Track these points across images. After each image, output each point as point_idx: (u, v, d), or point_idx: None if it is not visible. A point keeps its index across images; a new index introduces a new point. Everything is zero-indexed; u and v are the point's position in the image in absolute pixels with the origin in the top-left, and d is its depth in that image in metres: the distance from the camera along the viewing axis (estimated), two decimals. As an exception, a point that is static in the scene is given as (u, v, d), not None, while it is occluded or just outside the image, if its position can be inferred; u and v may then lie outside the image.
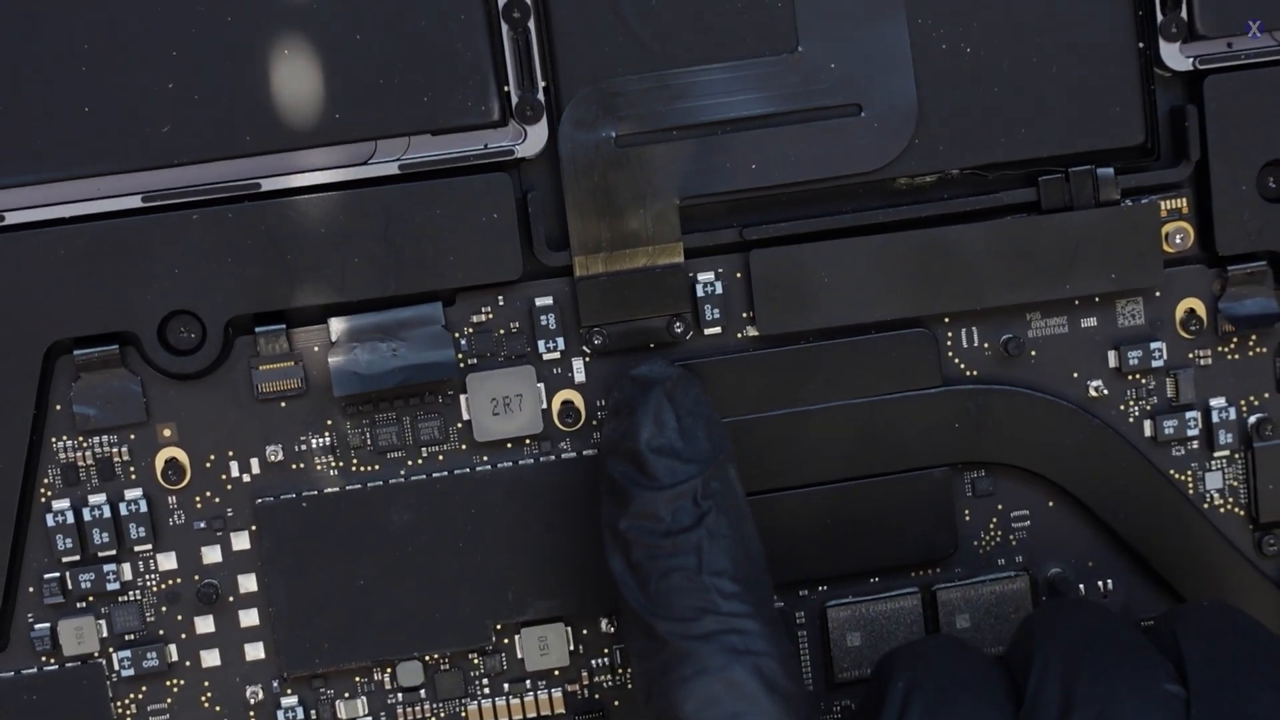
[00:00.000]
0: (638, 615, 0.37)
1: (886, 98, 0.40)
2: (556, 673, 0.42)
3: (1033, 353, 0.42)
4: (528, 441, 0.41)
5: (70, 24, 0.38)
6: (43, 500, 0.40)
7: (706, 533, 0.38)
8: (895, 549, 0.42)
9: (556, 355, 0.41)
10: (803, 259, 0.41)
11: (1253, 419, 0.42)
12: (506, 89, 0.39)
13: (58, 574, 0.40)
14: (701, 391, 0.40)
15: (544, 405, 0.41)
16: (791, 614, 0.42)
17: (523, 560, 0.41)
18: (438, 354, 0.40)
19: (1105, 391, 0.42)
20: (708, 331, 0.41)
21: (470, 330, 0.40)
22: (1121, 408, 0.42)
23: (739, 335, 0.41)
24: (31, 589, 0.40)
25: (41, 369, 0.39)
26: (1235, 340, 0.42)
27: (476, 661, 0.42)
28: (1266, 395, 0.42)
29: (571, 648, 0.42)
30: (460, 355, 0.40)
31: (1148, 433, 0.42)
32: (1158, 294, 0.42)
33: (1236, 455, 0.43)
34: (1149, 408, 0.42)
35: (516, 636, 0.41)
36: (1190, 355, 0.42)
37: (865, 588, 0.42)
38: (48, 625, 0.40)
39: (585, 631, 0.42)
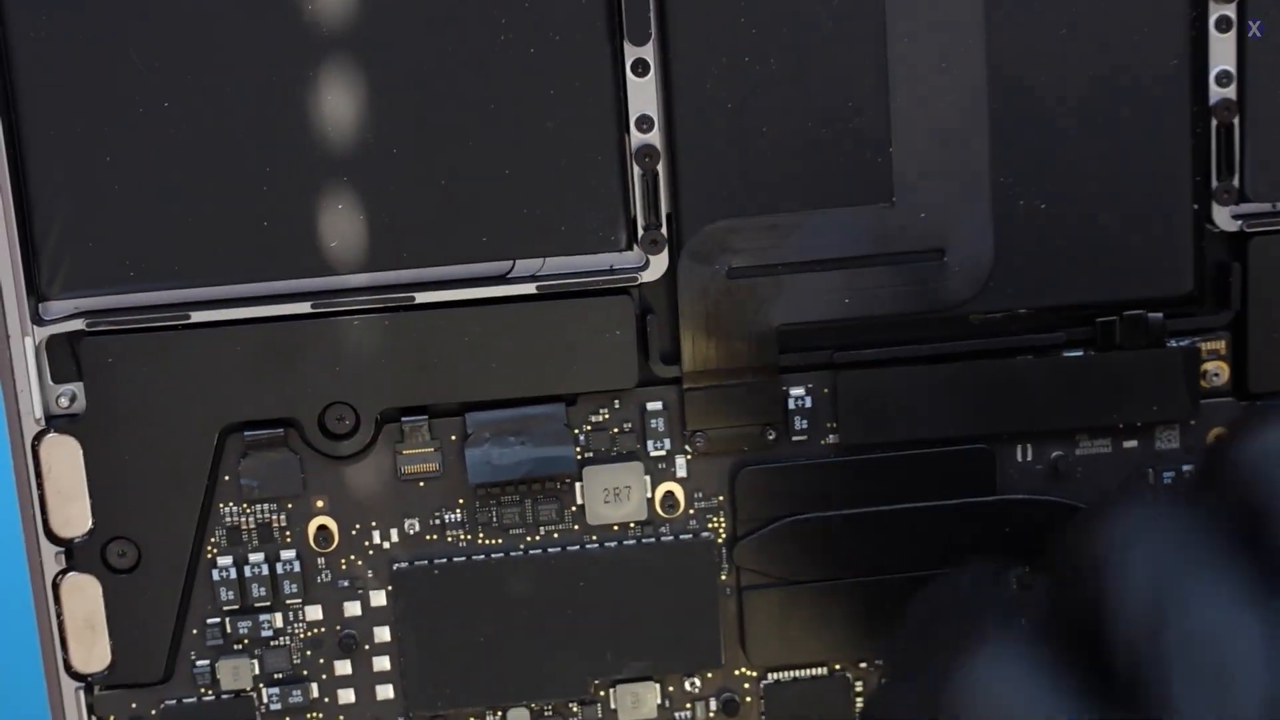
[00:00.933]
0: None
1: (967, 245, 0.45)
2: (645, 723, 0.48)
3: (1078, 469, 0.47)
4: (632, 525, 0.47)
5: (253, 145, 0.43)
6: (209, 557, 0.46)
7: None
8: None
9: (662, 453, 0.46)
10: (883, 381, 0.46)
11: (1268, 533, 0.48)
12: (635, 219, 0.45)
13: (219, 620, 0.46)
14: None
15: (649, 495, 0.47)
16: (853, 682, 0.48)
17: (620, 627, 0.47)
18: (559, 449, 0.45)
19: (1141, 506, 0.48)
20: (795, 439, 0.47)
21: (589, 428, 0.46)
22: (1153, 519, 0.48)
23: (822, 443, 0.47)
24: (195, 631, 0.46)
25: (216, 446, 0.45)
26: (1258, 466, 0.48)
27: (576, 709, 0.48)
28: (1282, 513, 0.48)
29: (659, 701, 0.48)
30: (579, 449, 0.46)
31: (1176, 541, 0.48)
32: (1193, 423, 0.47)
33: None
34: (1178, 520, 0.48)
35: (612, 690, 0.48)
36: (1217, 477, 0.48)
37: None
38: (208, 663, 0.46)
39: (671, 689, 0.48)
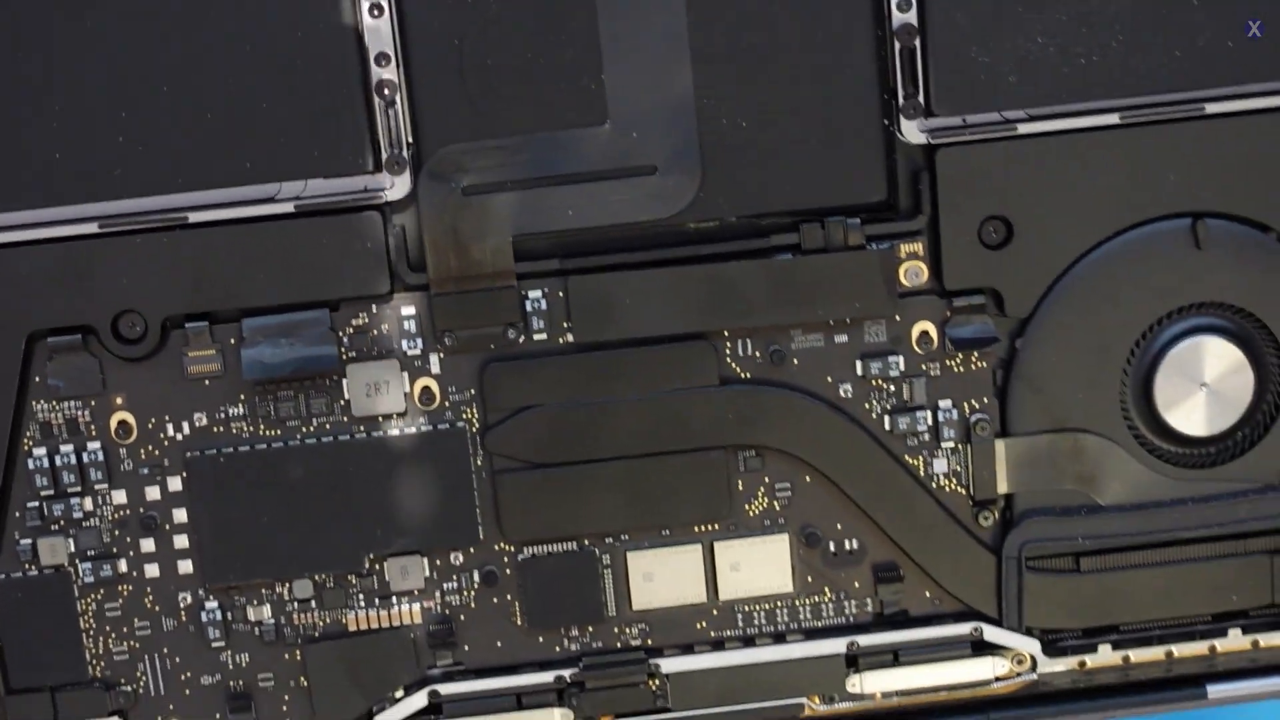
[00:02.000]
0: None
1: (677, 162, 0.51)
2: (415, 592, 0.54)
3: (794, 361, 0.53)
4: (394, 417, 0.53)
5: (43, 85, 0.49)
6: (25, 449, 0.53)
7: None
8: (682, 511, 0.54)
9: (417, 352, 0.53)
10: (611, 284, 0.52)
11: (973, 418, 0.53)
12: (380, 145, 0.51)
13: (36, 504, 0.53)
14: None
15: (407, 390, 0.53)
16: (599, 556, 0.54)
17: (388, 508, 0.53)
18: (323, 349, 0.52)
19: (852, 394, 0.53)
20: (535, 337, 0.53)
21: (351, 331, 0.52)
22: (865, 406, 0.53)
23: (560, 340, 0.53)
24: (17, 514, 0.53)
25: (25, 352, 0.52)
26: (960, 356, 0.53)
27: (354, 582, 0.54)
28: (985, 399, 0.53)
29: (427, 574, 0.54)
30: (342, 350, 0.52)
31: (887, 427, 0.53)
32: (898, 318, 0.53)
33: (959, 446, 0.54)
34: (888, 407, 0.53)
35: (385, 564, 0.54)
36: (922, 367, 0.53)
37: (658, 540, 0.54)
38: (30, 541, 0.53)
39: (438, 562, 0.54)
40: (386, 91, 0.50)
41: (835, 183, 0.52)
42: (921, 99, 0.51)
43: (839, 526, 0.54)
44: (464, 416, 0.53)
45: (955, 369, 0.53)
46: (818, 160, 0.51)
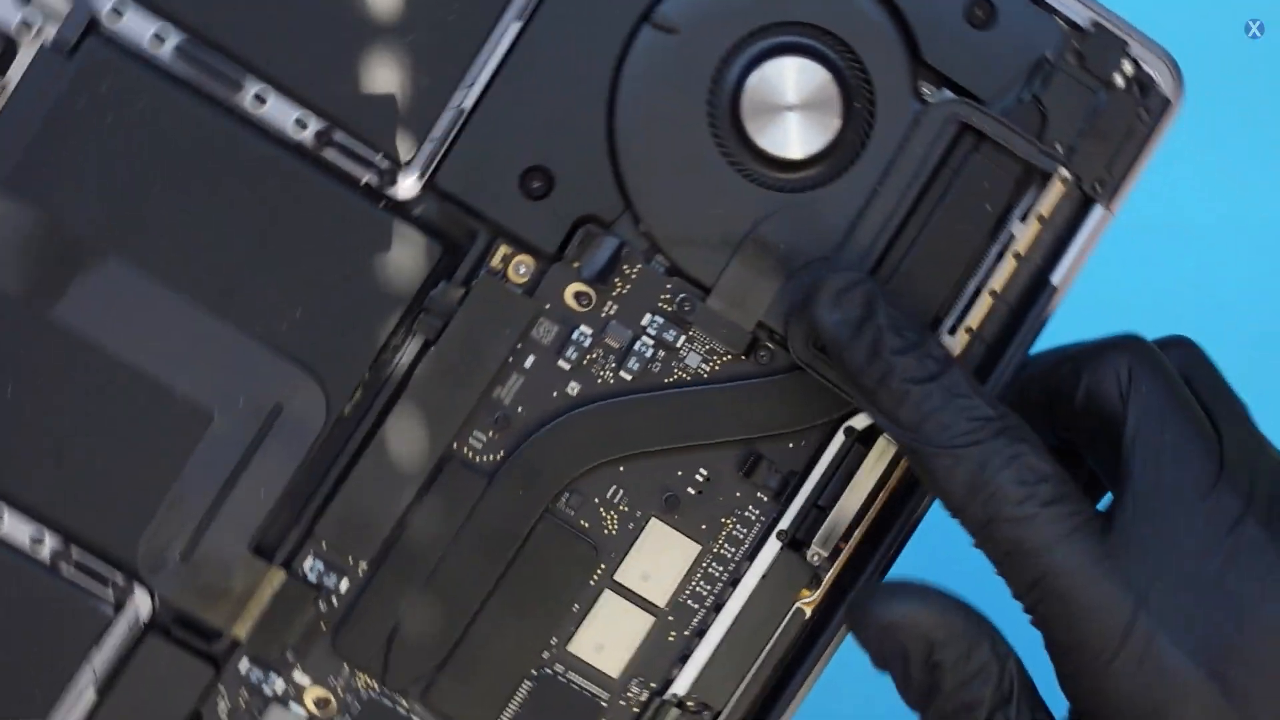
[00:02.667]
0: (934, 449, 0.50)
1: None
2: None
3: (520, 410, 0.55)
4: None
5: None
6: None
7: (959, 368, 0.52)
8: (569, 588, 0.55)
9: None
10: None
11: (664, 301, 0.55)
12: None
13: None
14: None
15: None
16: (554, 673, 0.56)
17: None
18: None
19: (580, 384, 0.55)
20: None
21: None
22: (600, 380, 0.55)
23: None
24: None
25: None
26: (618, 280, 0.55)
27: None
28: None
29: None
30: None
31: (629, 376, 0.55)
32: (548, 306, 0.54)
33: (693, 333, 0.55)
34: (612, 364, 0.55)
35: None
36: (603, 314, 0.55)
37: (575, 619, 0.56)
38: None
39: None
40: None
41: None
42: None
43: (679, 474, 0.55)
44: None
45: (621, 292, 0.55)
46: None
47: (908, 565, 0.56)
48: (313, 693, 0.55)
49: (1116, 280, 0.54)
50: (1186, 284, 0.62)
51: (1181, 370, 0.54)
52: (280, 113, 0.53)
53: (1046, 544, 0.50)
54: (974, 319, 0.54)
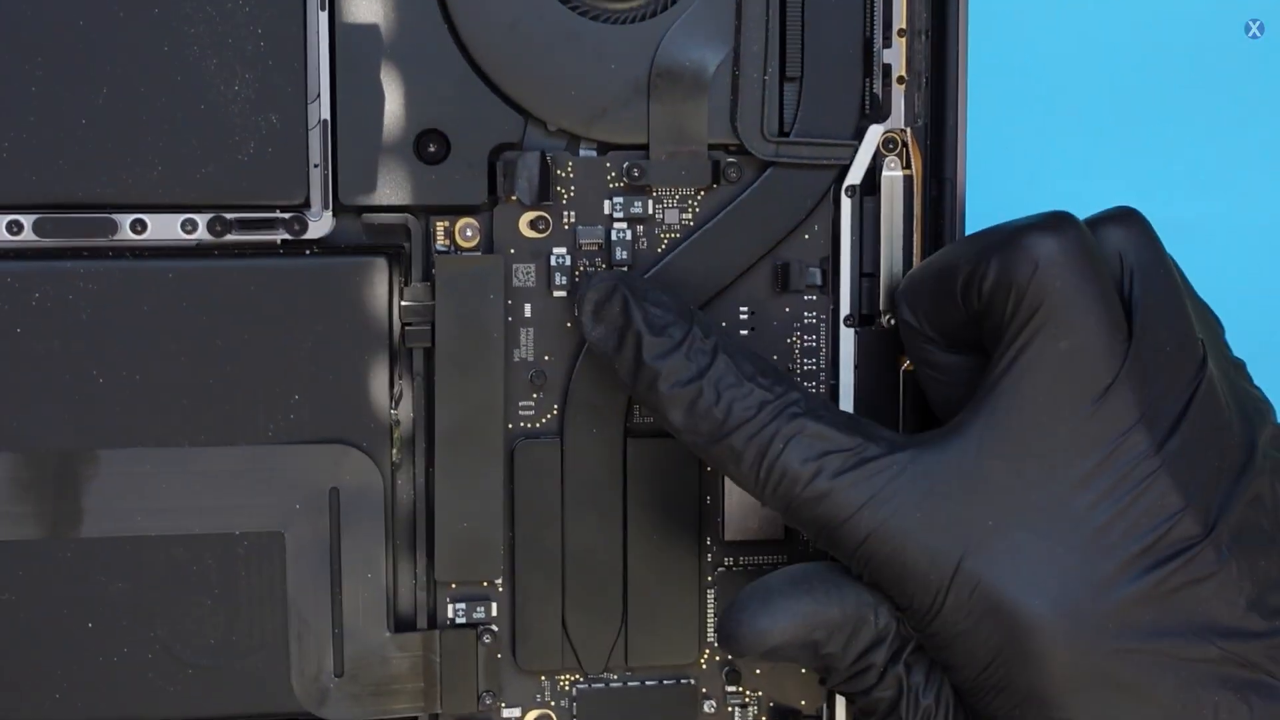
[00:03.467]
0: (714, 444, 0.47)
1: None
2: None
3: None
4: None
5: None
6: None
7: (726, 355, 0.48)
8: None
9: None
10: None
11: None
12: None
13: None
14: (639, 276, 0.51)
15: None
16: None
17: None
18: None
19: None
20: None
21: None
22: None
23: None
24: None
25: None
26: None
27: None
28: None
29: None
30: None
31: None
32: None
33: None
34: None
35: None
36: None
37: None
38: None
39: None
40: None
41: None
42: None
43: (723, 325, 0.53)
44: None
45: (570, 196, 0.52)
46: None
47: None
48: (531, 717, 0.53)
49: (973, 161, 0.53)
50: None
51: (1116, 250, 0.48)
52: (164, 227, 0.50)
53: (848, 514, 0.47)
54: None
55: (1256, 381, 0.50)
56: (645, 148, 0.52)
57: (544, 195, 0.51)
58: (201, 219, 0.50)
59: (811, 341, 0.54)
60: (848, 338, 0.53)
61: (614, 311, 0.49)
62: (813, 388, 0.54)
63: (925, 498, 0.46)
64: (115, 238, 0.50)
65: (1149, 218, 0.48)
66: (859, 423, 0.48)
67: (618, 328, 0.49)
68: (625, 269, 0.52)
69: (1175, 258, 0.48)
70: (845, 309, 0.53)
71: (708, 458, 0.49)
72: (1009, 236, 0.47)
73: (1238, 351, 0.50)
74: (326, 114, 0.50)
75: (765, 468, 0.47)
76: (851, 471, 0.47)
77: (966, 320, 0.49)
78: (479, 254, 0.52)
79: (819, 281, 0.53)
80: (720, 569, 0.54)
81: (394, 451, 0.52)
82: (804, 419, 0.48)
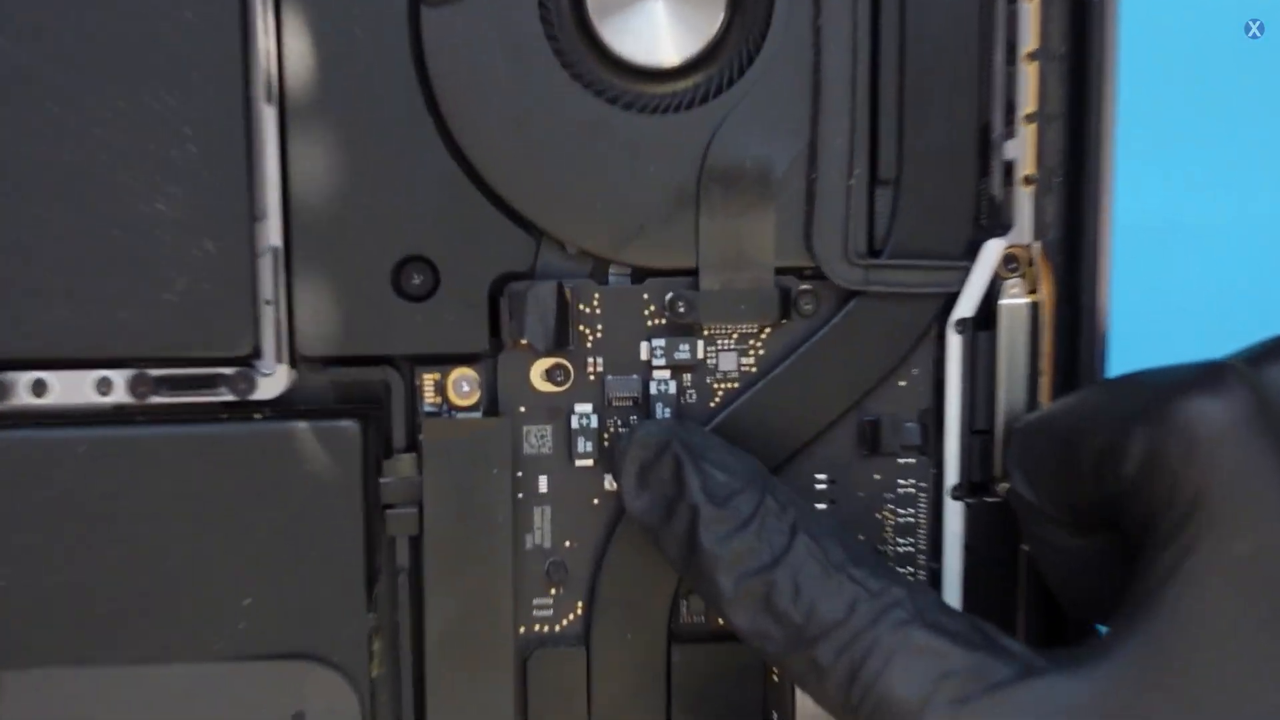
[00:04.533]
0: (792, 652, 0.37)
1: None
2: None
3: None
4: None
5: None
6: None
7: (807, 536, 0.37)
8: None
9: None
10: None
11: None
12: None
13: None
14: (699, 424, 0.40)
15: None
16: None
17: None
18: None
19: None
20: None
21: None
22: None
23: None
24: None
25: None
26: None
27: None
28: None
29: None
30: None
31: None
32: None
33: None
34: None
35: None
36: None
37: None
38: None
39: None
40: None
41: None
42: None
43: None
44: None
45: (596, 338, 0.40)
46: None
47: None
48: None
49: (1117, 280, 0.46)
50: (1186, 284, 0.60)
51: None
52: (72, 388, 0.39)
53: None
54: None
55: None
56: (694, 273, 0.40)
57: (562, 339, 0.40)
58: (119, 377, 0.39)
59: (908, 517, 0.42)
60: (955, 512, 0.41)
61: (664, 475, 0.38)
62: (908, 573, 0.42)
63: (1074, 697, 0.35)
64: (8, 403, 0.39)
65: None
66: (979, 631, 0.37)
67: (668, 497, 0.38)
68: (676, 419, 0.40)
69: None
70: (952, 476, 0.41)
71: (781, 668, 0.37)
72: (1155, 402, 0.35)
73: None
74: (277, 238, 0.39)
75: (859, 691, 0.36)
76: (975, 703, 0.35)
77: (1100, 500, 0.37)
78: (478, 415, 0.40)
79: (918, 441, 0.41)
80: None
81: (373, 665, 0.41)
82: (911, 627, 0.36)
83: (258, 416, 0.39)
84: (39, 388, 0.39)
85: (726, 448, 0.38)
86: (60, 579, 0.39)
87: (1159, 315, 0.63)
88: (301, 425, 0.39)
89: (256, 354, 0.39)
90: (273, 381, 0.39)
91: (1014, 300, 0.41)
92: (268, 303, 0.39)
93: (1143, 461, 0.35)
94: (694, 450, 0.38)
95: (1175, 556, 0.35)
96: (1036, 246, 0.41)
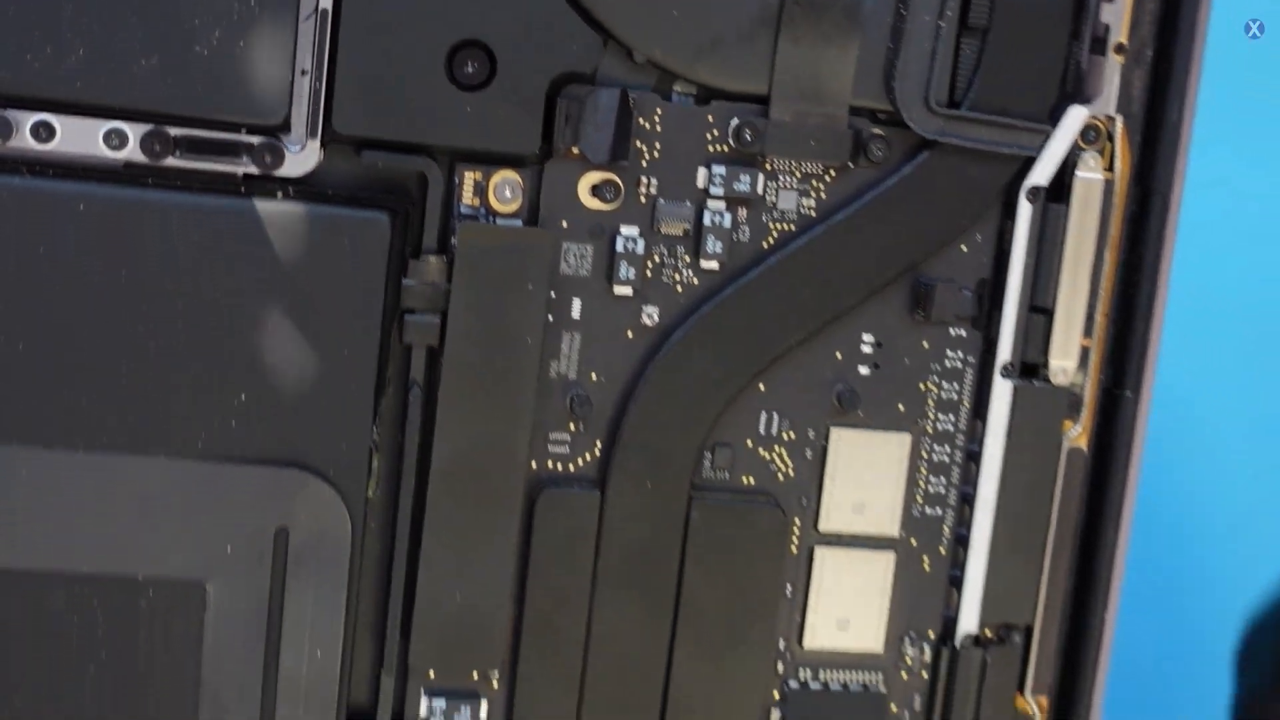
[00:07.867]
0: None
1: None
2: None
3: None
4: None
5: None
6: None
7: None
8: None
9: None
10: None
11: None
12: None
13: None
14: None
15: None
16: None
17: None
18: None
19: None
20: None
21: None
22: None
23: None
24: None
25: None
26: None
27: None
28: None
29: None
30: None
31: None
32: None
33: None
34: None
35: None
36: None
37: None
38: None
39: None
40: None
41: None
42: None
43: (839, 358, 0.39)
44: None
45: (652, 157, 0.38)
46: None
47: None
48: None
49: (1193, 166, 0.46)
50: (1186, 284, 0.58)
51: None
52: (80, 137, 0.35)
53: None
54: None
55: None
56: (765, 100, 0.37)
57: (619, 152, 0.37)
58: (134, 131, 0.35)
59: (952, 393, 0.40)
60: (1003, 391, 0.39)
61: None
62: (944, 452, 0.40)
63: None
64: (9, 144, 0.35)
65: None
66: None
67: None
68: (714, 266, 0.38)
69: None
70: (1005, 353, 0.39)
71: None
72: None
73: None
74: (327, 1, 0.35)
75: None
76: None
77: None
78: (519, 225, 0.37)
79: (972, 311, 0.39)
80: (792, 684, 0.40)
81: (371, 485, 0.37)
82: None
83: (279, 195, 0.36)
84: (43, 131, 0.35)
85: None
86: (36, 347, 0.35)
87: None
88: (327, 210, 0.36)
89: (285, 127, 0.35)
90: (300, 158, 0.36)
91: (1090, 174, 0.39)
92: (304, 72, 0.35)
93: None
94: None
95: None
96: (1119, 120, 0.39)
